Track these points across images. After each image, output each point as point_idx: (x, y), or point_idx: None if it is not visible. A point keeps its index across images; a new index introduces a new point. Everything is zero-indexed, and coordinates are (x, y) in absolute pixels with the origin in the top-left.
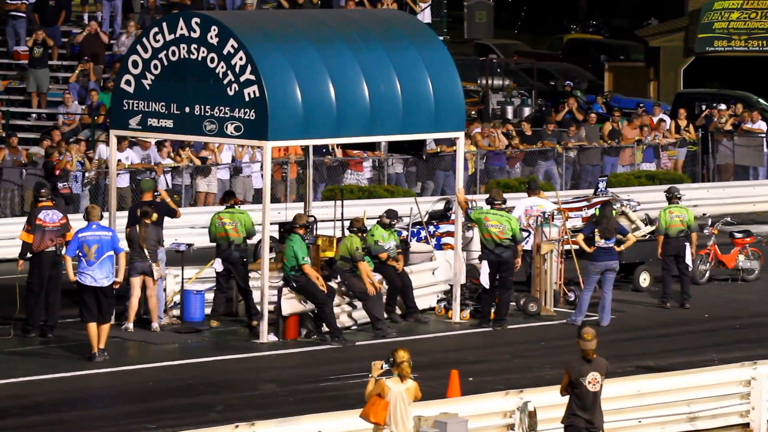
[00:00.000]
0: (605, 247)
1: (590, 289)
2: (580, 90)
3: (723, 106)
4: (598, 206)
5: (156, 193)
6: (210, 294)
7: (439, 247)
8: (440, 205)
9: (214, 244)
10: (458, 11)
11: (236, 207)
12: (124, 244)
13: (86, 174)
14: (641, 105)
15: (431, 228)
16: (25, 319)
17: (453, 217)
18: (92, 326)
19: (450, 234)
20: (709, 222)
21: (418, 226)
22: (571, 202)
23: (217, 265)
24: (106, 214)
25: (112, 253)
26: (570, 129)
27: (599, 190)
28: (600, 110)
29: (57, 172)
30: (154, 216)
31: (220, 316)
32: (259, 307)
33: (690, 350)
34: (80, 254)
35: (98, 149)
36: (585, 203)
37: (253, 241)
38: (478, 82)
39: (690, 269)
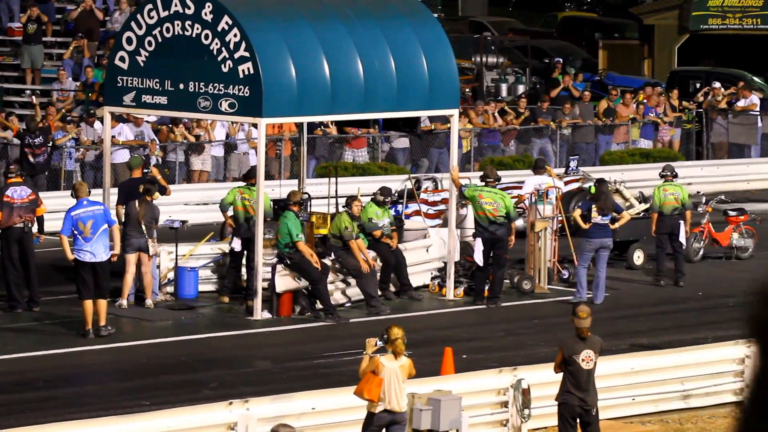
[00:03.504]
0: (601, 224)
1: (585, 265)
2: (574, 67)
3: (717, 84)
4: (594, 183)
5: (146, 170)
6: (204, 271)
7: None
8: (410, 184)
9: (218, 221)
10: None
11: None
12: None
13: (79, 150)
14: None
15: (399, 207)
16: (9, 296)
17: (423, 196)
18: (88, 303)
19: (418, 213)
20: (703, 200)
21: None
22: (464, 185)
23: (236, 244)
24: (94, 191)
25: (106, 226)
26: (564, 107)
27: (570, 168)
28: (581, 87)
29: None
30: (156, 194)
31: (229, 292)
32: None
33: (684, 328)
34: (76, 232)
35: (85, 127)
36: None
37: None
38: (473, 59)
39: (684, 247)
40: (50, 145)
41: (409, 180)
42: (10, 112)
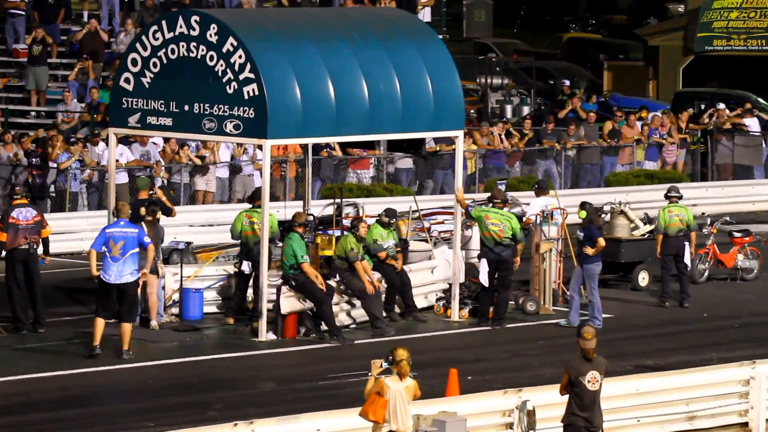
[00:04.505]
0: None
1: (597, 288)
2: (578, 88)
3: (722, 106)
4: (586, 206)
5: (151, 192)
6: (209, 292)
7: None
8: (330, 210)
9: (238, 242)
10: (457, 10)
11: None
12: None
13: (85, 172)
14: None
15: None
16: (14, 318)
17: (344, 222)
18: (100, 321)
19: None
20: (708, 221)
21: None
22: (471, 205)
23: (245, 267)
24: (99, 212)
25: (137, 250)
26: (570, 128)
27: None
28: (594, 108)
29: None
30: (159, 214)
31: (234, 313)
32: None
33: (689, 349)
34: (105, 250)
35: (89, 148)
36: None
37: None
38: (478, 80)
39: (689, 268)
40: (54, 168)
41: (331, 205)
42: (24, 133)
